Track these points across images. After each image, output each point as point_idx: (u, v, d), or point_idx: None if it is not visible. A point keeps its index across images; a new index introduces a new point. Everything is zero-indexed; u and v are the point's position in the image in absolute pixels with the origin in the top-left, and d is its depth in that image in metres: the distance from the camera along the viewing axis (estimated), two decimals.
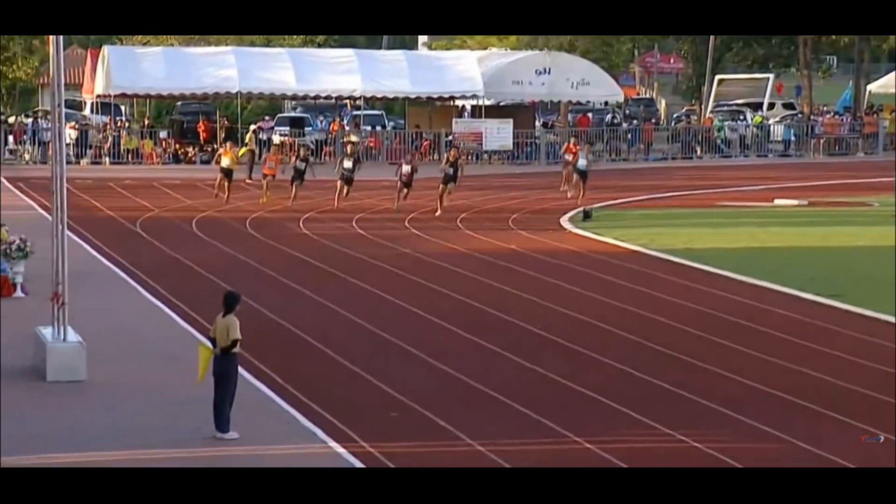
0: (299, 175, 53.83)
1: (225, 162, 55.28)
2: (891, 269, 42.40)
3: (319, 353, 31.13)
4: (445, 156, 53.07)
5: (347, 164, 55.28)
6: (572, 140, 60.07)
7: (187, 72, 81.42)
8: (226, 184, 55.33)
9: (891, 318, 34.20)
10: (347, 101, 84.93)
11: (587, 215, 56.26)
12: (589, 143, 56.90)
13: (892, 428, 25.06)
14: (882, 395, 27.34)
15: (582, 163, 54.13)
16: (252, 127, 79.51)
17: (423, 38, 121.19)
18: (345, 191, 56.84)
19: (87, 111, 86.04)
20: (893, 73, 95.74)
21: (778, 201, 63.03)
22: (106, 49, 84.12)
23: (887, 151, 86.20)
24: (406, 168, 54.82)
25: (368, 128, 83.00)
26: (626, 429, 25.33)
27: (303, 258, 44.43)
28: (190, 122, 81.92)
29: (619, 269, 42.38)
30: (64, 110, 32.07)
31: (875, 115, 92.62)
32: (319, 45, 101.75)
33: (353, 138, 54.78)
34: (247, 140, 76.06)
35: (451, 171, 54.72)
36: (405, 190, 55.50)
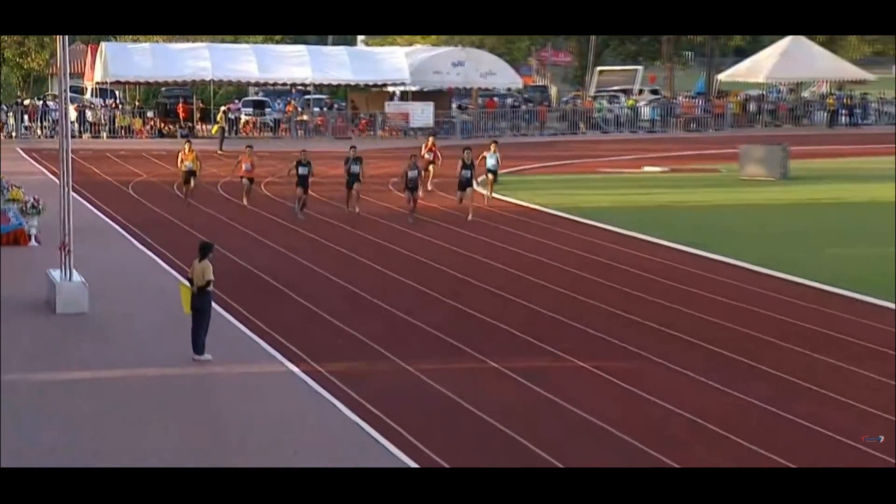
0: (303, 181, 43.72)
1: (186, 165, 46.78)
2: (741, 222, 42.70)
3: (280, 292, 31.08)
4: (460, 160, 43.12)
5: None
6: (431, 139, 54.17)
7: (170, 63, 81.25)
8: (185, 187, 47.09)
9: (746, 265, 34.39)
10: (300, 87, 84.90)
11: (495, 177, 56.33)
12: (494, 141, 50.52)
13: (751, 355, 25.23)
14: (740, 327, 27.48)
15: (491, 162, 47.27)
16: (222, 108, 79.45)
17: (361, 36, 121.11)
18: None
19: (87, 95, 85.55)
20: (737, 66, 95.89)
21: (646, 168, 63.11)
22: (103, 45, 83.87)
23: (733, 128, 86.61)
24: (412, 173, 42.64)
25: (317, 109, 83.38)
26: (521, 352, 25.43)
27: (266, 216, 44.27)
28: (172, 104, 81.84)
29: (520, 223, 42.43)
30: (69, 94, 32.26)
31: (723, 99, 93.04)
32: (277, 42, 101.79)
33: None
34: (218, 118, 76.50)
35: (467, 174, 42.95)
36: (410, 194, 42.87)
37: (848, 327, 27.31)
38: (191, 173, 46.44)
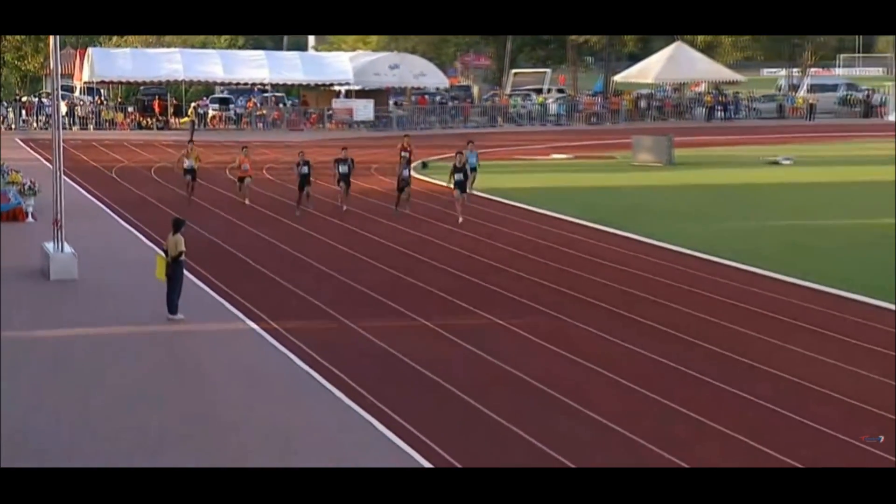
0: (305, 180, 39.24)
1: (187, 163, 41.87)
2: (632, 201, 42.89)
3: (244, 263, 31.02)
4: (453, 164, 38.49)
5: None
6: (406, 139, 47.76)
7: (147, 66, 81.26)
8: (191, 184, 41.88)
9: (634, 236, 34.59)
10: (259, 86, 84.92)
11: (425, 165, 56.17)
12: (471, 141, 45.65)
13: (636, 310, 25.43)
14: (631, 289, 27.68)
15: (472, 160, 42.60)
16: (192, 104, 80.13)
17: (311, 42, 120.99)
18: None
19: (77, 93, 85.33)
20: (630, 69, 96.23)
21: (554, 155, 63.30)
22: (90, 50, 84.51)
23: (626, 122, 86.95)
24: (406, 173, 39.85)
25: (275, 105, 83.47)
26: (450, 313, 25.53)
27: (231, 196, 44.11)
28: (149, 100, 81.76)
29: (450, 203, 42.37)
30: (61, 92, 32.33)
31: (618, 97, 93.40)
32: (240, 47, 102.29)
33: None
34: (189, 113, 77.53)
35: (460, 177, 37.95)
36: (399, 193, 39.58)
37: (731, 292, 27.60)
38: (191, 172, 41.67)
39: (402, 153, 45.08)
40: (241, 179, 41.15)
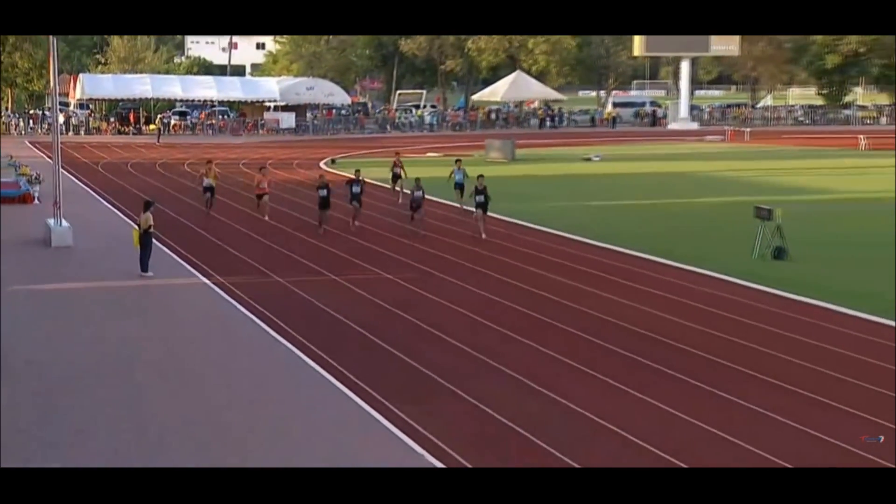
0: (325, 202, 31.16)
1: (206, 182, 34.11)
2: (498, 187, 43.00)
3: (202, 236, 30.70)
4: (475, 186, 30.28)
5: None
6: (397, 156, 40.95)
7: (124, 87, 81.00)
8: (210, 200, 34.25)
9: (489, 213, 34.62)
10: (209, 102, 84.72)
11: (333, 161, 55.98)
12: (458, 159, 37.22)
13: (480, 263, 25.52)
14: (476, 249, 27.76)
15: (458, 177, 35.06)
16: (159, 116, 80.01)
17: (248, 69, 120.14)
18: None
19: (72, 107, 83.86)
20: (483, 90, 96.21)
21: (429, 154, 63.28)
22: (81, 75, 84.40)
23: (481, 129, 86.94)
24: (418, 193, 30.68)
25: (221, 116, 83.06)
26: (351, 270, 25.46)
27: (188, 183, 43.54)
28: (126, 113, 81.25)
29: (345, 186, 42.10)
30: (59, 106, 31.82)
31: (475, 111, 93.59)
32: (195, 73, 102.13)
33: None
34: (156, 122, 77.57)
35: (481, 199, 29.80)
36: (413, 213, 30.82)
37: (552, 251, 27.82)
38: (210, 189, 34.13)
39: (394, 169, 38.93)
40: (260, 196, 33.48)
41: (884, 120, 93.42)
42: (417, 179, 31.53)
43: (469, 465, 12.61)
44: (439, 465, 12.64)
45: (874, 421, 14.17)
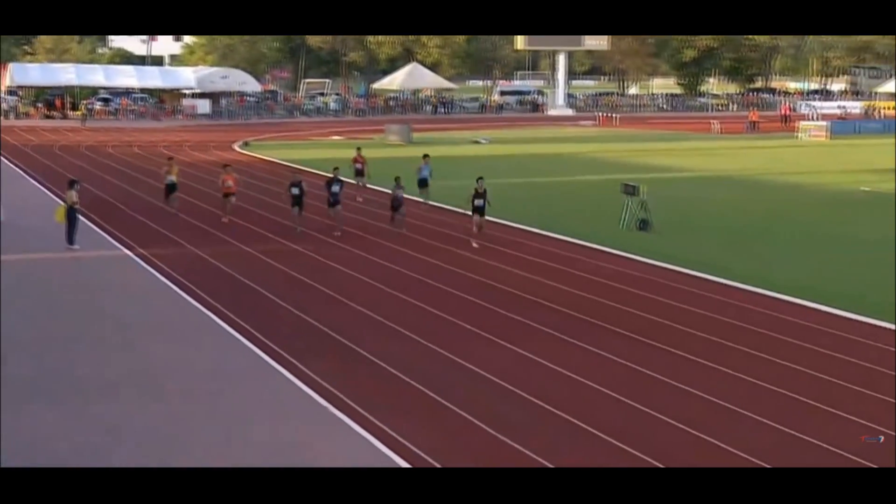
0: (298, 200, 26.14)
1: (168, 179, 29.26)
2: (386, 168, 42.86)
3: (122, 211, 30.11)
4: (474, 189, 25.13)
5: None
6: (358, 150, 35.33)
7: (51, 75, 79.35)
8: (170, 196, 29.38)
9: (387, 190, 34.54)
10: (130, 89, 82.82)
11: (246, 143, 55.31)
12: (426, 155, 31.88)
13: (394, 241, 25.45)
14: (375, 222, 27.63)
15: (425, 173, 30.69)
16: (84, 102, 77.80)
17: (167, 60, 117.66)
18: None
19: (2, 94, 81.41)
20: (383, 79, 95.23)
21: (333, 137, 62.87)
22: (10, 64, 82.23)
23: (381, 115, 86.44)
24: (399, 192, 26.18)
25: (141, 102, 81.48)
26: (259, 241, 25.26)
27: (112, 164, 42.65)
28: (52, 99, 79.10)
29: (264, 167, 41.82)
30: None
31: (375, 98, 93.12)
32: (117, 63, 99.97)
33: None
34: (81, 108, 75.21)
35: (480, 202, 25.07)
36: (393, 213, 26.24)
37: (447, 225, 27.84)
38: (173, 186, 29.30)
39: (355, 165, 33.95)
40: (227, 196, 28.42)
41: (733, 107, 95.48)
42: (398, 178, 26.82)
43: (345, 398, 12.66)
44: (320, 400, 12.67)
45: (699, 362, 14.63)
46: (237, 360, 15.18)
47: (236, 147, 53.71)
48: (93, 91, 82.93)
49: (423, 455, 11.40)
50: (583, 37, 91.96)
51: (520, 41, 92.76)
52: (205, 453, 11.50)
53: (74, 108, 78.51)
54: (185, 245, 24.29)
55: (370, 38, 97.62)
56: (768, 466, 10.80)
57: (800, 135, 62.26)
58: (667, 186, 35.08)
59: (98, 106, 79.81)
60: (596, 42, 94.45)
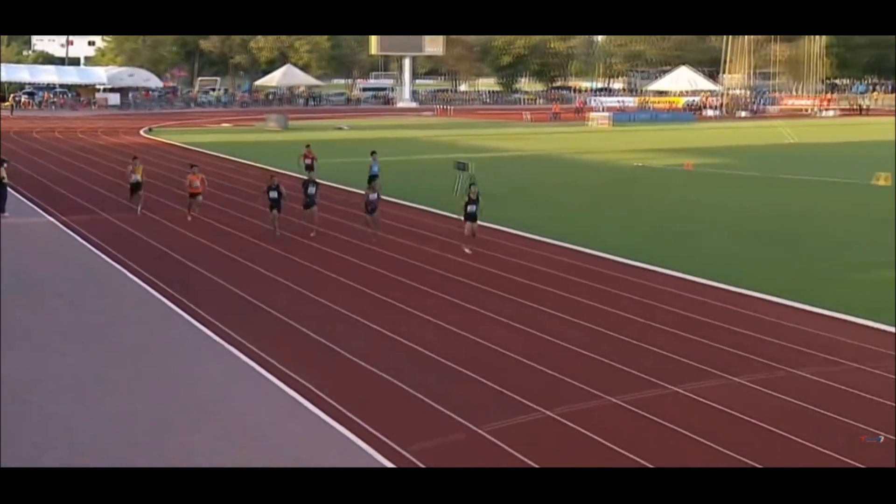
0: (276, 203, 20.82)
1: (133, 178, 23.97)
2: (266, 149, 41.96)
3: (55, 191, 28.64)
4: (467, 195, 19.19)
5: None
6: (307, 148, 30.11)
7: None
8: (135, 195, 24.08)
9: (266, 167, 33.84)
10: (52, 85, 78.97)
11: (150, 130, 53.37)
12: (373, 151, 28.13)
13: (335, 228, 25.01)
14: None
15: (374, 169, 26.44)
16: (12, 95, 74.41)
17: (83, 61, 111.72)
18: None
19: None
20: (265, 77, 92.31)
21: (224, 124, 61.08)
22: None
23: (262, 106, 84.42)
24: (372, 196, 20.44)
25: (61, 96, 78.42)
26: (213, 211, 24.49)
27: (36, 146, 40.37)
28: None
29: (174, 151, 40.35)
30: None
31: (257, 93, 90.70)
32: (41, 63, 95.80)
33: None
34: (9, 100, 71.80)
35: (472, 208, 19.02)
36: (368, 216, 20.52)
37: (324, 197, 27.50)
38: (137, 185, 24.01)
39: (304, 160, 29.11)
40: (193, 196, 23.08)
41: (540, 101, 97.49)
42: (372, 179, 22.49)
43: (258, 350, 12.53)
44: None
45: (502, 295, 15.07)
46: (145, 309, 14.75)
47: (142, 133, 51.84)
48: (20, 86, 79.20)
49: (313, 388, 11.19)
50: (423, 44, 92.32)
51: (373, 46, 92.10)
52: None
53: (3, 100, 74.63)
54: (105, 215, 23.35)
55: (252, 42, 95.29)
56: (759, 466, 8.72)
57: (590, 123, 64.23)
58: (490, 163, 35.65)
59: (24, 98, 77.41)
60: (434, 49, 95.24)
